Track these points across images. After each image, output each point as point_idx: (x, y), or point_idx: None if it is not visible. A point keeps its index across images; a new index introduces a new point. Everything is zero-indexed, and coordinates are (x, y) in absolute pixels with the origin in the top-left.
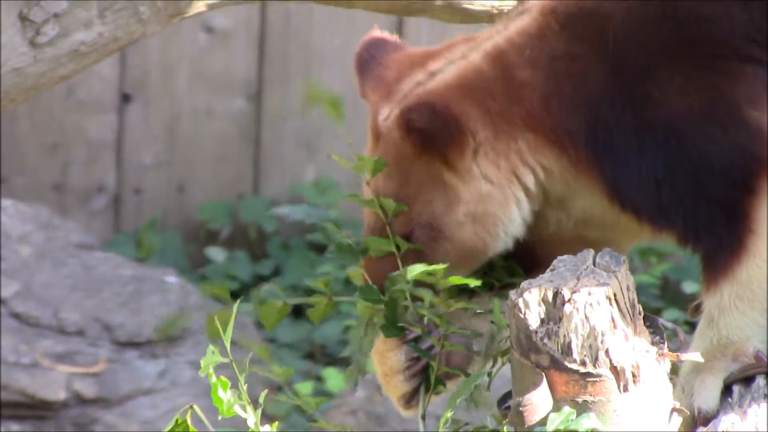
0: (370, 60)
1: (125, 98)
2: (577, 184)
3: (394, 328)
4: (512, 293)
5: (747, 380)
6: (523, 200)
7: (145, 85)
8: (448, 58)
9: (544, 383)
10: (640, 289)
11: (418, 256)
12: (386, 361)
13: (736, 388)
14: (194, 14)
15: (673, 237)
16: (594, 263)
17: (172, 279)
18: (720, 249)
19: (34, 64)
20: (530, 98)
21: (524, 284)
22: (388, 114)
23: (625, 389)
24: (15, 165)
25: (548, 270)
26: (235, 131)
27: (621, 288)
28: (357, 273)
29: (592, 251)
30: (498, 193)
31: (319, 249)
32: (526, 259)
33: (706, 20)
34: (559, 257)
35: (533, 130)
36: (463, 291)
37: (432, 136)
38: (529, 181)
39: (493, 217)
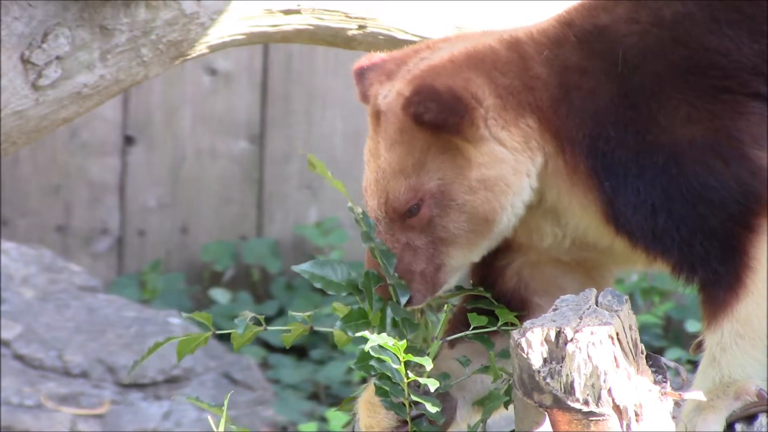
0: (370, 66)
1: (128, 140)
2: (570, 195)
3: (387, 390)
4: (515, 333)
5: (749, 418)
6: (533, 174)
7: (147, 127)
8: (460, 40)
9: (547, 422)
10: (643, 328)
11: (430, 228)
12: (375, 414)
13: (738, 427)
14: (196, 56)
15: (667, 266)
16: (596, 303)
17: (175, 320)
18: (717, 284)
19: (36, 106)
20: (541, 93)
21: (527, 324)
22: (388, 91)
23: (628, 428)
24: (18, 207)
25: (551, 309)
26: (238, 172)
27: (623, 327)
28: (342, 307)
29: (594, 290)
30: (511, 157)
31: (323, 290)
32: (522, 288)
33: (716, 51)
34: (562, 297)
35: (540, 119)
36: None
37: (443, 125)
38: (538, 158)
39: (504, 183)
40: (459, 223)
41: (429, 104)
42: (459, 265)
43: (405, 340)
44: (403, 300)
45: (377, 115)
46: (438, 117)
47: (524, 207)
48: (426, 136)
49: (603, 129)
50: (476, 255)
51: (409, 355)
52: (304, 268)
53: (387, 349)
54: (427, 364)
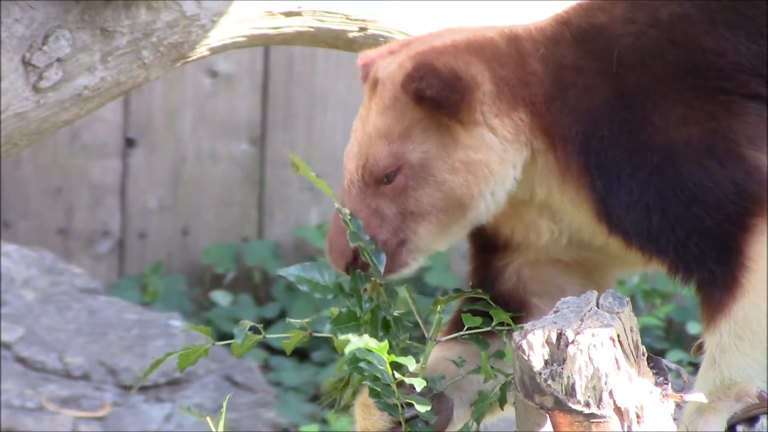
0: (375, 56)
1: (129, 142)
2: (562, 192)
3: (379, 391)
4: (516, 335)
5: (750, 420)
6: (519, 166)
7: (149, 130)
8: (462, 31)
9: (548, 424)
10: (645, 330)
11: (402, 199)
12: (370, 416)
13: (739, 428)
14: (197, 58)
15: (663, 266)
16: (597, 304)
17: (176, 323)
18: (714, 284)
19: (37, 108)
20: (537, 89)
21: (528, 326)
22: (389, 63)
23: (629, 430)
24: (19, 209)
25: (552, 311)
26: (240, 174)
27: (624, 329)
28: (338, 311)
29: (595, 292)
30: (500, 146)
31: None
32: (521, 289)
33: (713, 52)
34: (563, 299)
35: (532, 114)
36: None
37: (443, 102)
38: (526, 152)
39: (488, 170)
40: (433, 199)
41: (431, 80)
42: (424, 246)
43: (387, 342)
44: (394, 301)
45: (375, 84)
46: (440, 94)
47: (505, 197)
48: (419, 109)
49: (597, 128)
50: (444, 240)
51: (392, 355)
52: (290, 271)
53: (371, 351)
54: (410, 363)
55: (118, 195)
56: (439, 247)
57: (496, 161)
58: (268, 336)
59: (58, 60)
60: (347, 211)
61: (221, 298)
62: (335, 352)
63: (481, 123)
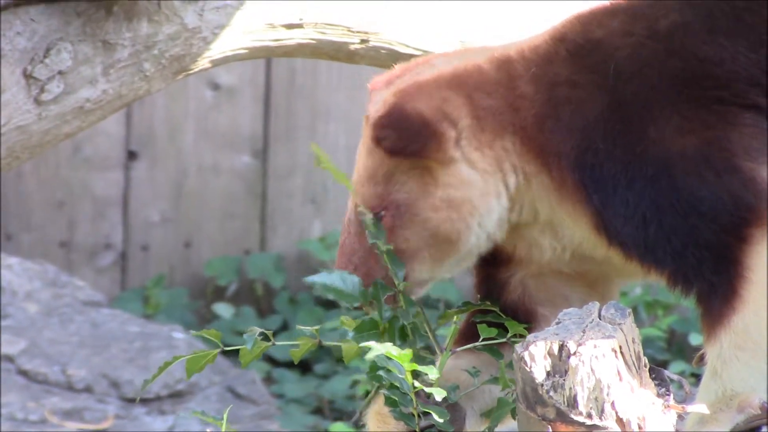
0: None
1: (131, 155)
2: (561, 209)
3: (396, 400)
4: (518, 346)
5: (753, 431)
6: (503, 195)
7: (151, 142)
8: (456, 57)
9: None
10: (647, 341)
11: (393, 237)
12: (385, 425)
13: None
14: (199, 71)
15: (662, 277)
16: (599, 316)
17: (179, 335)
18: (713, 295)
19: (39, 121)
20: (527, 112)
21: (530, 337)
22: (378, 99)
23: None
24: (21, 222)
25: (554, 323)
26: (242, 187)
27: (626, 340)
28: (350, 320)
29: (597, 304)
30: (480, 180)
31: (327, 304)
32: (527, 299)
33: (710, 61)
34: (565, 310)
35: (522, 139)
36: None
37: (400, 152)
38: (511, 179)
39: (471, 205)
40: (421, 237)
41: (387, 131)
42: (422, 279)
43: (410, 350)
44: (412, 310)
45: (367, 120)
46: (395, 145)
47: (497, 226)
48: None
49: (592, 141)
50: (442, 272)
51: (414, 364)
52: (315, 279)
53: (392, 359)
54: (432, 372)
55: (121, 208)
56: (441, 276)
57: (477, 195)
58: (277, 343)
59: (60, 73)
60: (368, 213)
61: (224, 310)
62: (338, 363)
63: (459, 159)
